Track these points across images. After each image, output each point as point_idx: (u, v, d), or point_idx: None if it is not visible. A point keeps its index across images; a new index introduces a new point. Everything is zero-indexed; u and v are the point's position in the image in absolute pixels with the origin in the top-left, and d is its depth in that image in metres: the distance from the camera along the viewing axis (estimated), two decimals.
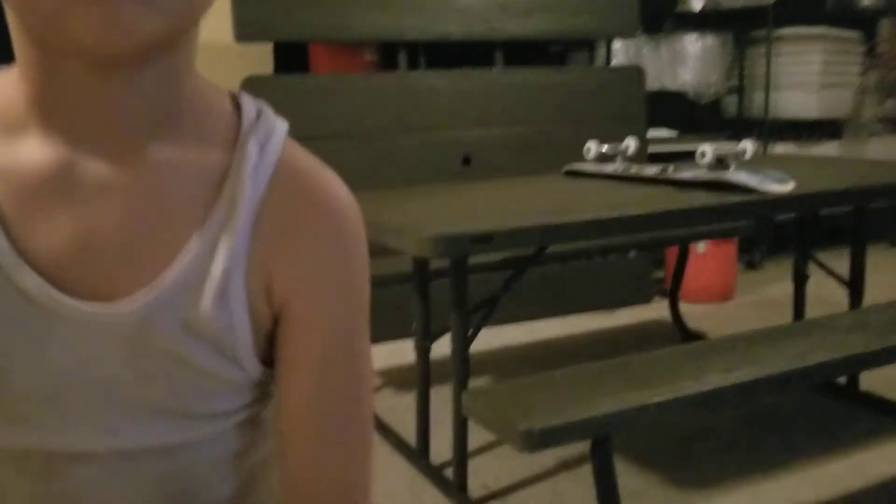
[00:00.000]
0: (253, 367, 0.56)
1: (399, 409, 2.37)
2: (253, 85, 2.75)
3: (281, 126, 0.61)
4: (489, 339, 3.03)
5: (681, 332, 3.04)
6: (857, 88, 4.25)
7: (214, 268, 0.53)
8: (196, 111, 0.55)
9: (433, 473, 1.99)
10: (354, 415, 0.60)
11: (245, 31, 2.77)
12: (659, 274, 3.63)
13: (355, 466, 0.60)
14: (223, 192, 0.54)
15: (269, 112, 0.61)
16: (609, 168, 2.25)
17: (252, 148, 0.56)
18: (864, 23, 4.52)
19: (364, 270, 0.61)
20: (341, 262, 0.58)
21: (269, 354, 0.57)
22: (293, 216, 0.56)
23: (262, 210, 0.54)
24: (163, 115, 0.53)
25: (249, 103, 0.59)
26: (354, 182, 2.59)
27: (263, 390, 0.59)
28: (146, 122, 0.52)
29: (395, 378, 2.69)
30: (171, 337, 0.53)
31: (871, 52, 4.53)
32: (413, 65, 3.15)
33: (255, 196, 0.54)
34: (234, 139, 0.56)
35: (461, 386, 1.75)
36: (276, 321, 0.57)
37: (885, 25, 4.90)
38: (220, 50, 3.06)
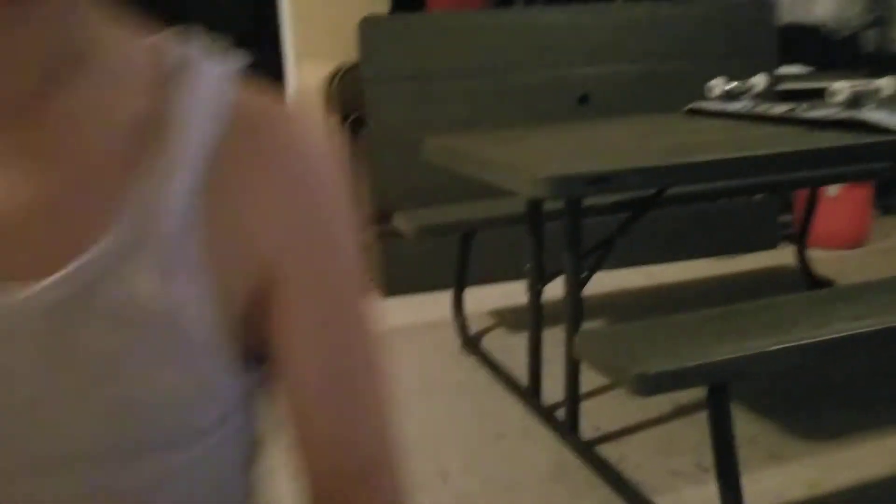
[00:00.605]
0: (220, 359, 0.44)
1: (512, 350, 2.39)
2: (370, 24, 2.77)
3: (223, 65, 0.48)
4: (604, 282, 3.00)
5: (807, 280, 2.92)
6: None
7: (151, 232, 0.42)
8: (109, 57, 0.45)
9: (545, 414, 2.01)
10: (372, 387, 0.51)
11: None
12: (786, 218, 3.47)
13: (381, 443, 0.51)
14: (152, 143, 0.43)
15: (207, 50, 0.48)
16: (735, 107, 2.15)
17: (189, 89, 0.45)
18: None
19: (347, 221, 0.50)
20: (325, 211, 0.49)
21: (248, 341, 0.47)
22: (259, 164, 0.46)
23: (215, 160, 0.44)
24: (60, 64, 0.43)
25: (179, 44, 0.48)
26: (469, 120, 2.61)
27: (247, 389, 0.48)
28: (38, 73, 0.42)
29: (507, 319, 2.72)
30: (101, 330, 0.41)
31: None
32: (530, 1, 3.09)
33: (199, 144, 0.44)
34: (164, 84, 0.46)
35: (574, 328, 1.75)
36: (256, 296, 0.46)
37: None
38: None
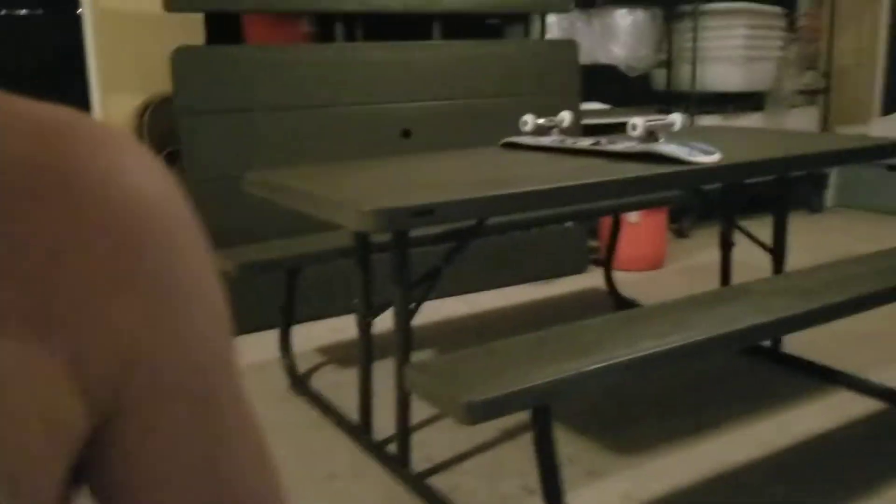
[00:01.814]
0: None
1: (342, 386, 2.38)
2: (184, 56, 2.69)
3: None
4: (430, 312, 3.06)
5: (615, 300, 3.12)
6: (779, 62, 4.39)
7: None
8: None
9: (376, 449, 2.01)
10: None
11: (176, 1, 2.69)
12: (594, 243, 3.71)
13: None
14: None
15: None
16: (546, 141, 2.28)
17: None
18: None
19: (205, 293, 0.36)
20: (177, 286, 0.34)
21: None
22: (56, 232, 0.31)
23: None
24: None
25: None
26: (291, 154, 2.58)
27: None
28: None
29: (337, 354, 2.69)
30: None
31: (791, 27, 4.67)
32: (350, 37, 3.12)
33: None
34: None
35: (403, 361, 1.77)
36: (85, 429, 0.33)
37: (804, 0, 5.06)
38: (151, 20, 2.98)
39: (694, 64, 4.13)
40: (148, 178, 0.34)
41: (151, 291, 0.33)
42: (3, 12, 2.96)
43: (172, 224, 0.35)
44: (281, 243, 2.44)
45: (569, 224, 3.51)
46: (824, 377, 2.40)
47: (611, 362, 1.54)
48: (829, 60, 4.88)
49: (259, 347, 2.65)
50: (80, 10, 3.03)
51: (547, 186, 1.74)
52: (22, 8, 3.00)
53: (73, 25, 3.03)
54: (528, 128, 2.35)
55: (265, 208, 2.76)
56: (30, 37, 3.06)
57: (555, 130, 2.32)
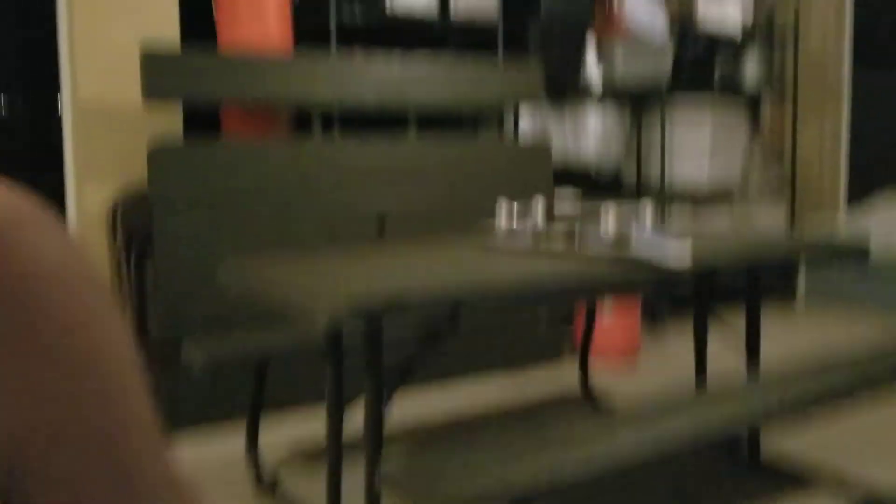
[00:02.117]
0: None
1: (311, 484, 2.30)
2: (161, 147, 2.70)
3: None
4: (402, 403, 3.01)
5: (589, 394, 3.09)
6: (745, 156, 4.52)
7: None
8: None
9: None
10: None
11: (154, 88, 2.73)
12: (569, 330, 3.71)
13: None
14: None
15: None
16: (520, 232, 2.29)
17: None
18: (749, 98, 4.84)
19: (107, 360, 0.35)
20: (78, 372, 0.34)
21: None
22: None
23: None
24: None
25: None
26: (265, 245, 2.56)
27: None
28: None
29: (307, 449, 2.62)
30: None
31: (755, 125, 4.84)
32: (327, 130, 3.17)
33: None
34: None
35: (374, 458, 1.72)
36: None
37: (767, 100, 5.26)
38: (129, 112, 3.01)
39: (662, 160, 4.24)
40: (48, 250, 0.34)
41: (46, 364, 0.32)
42: None
43: (71, 296, 0.34)
44: (251, 335, 2.40)
45: (543, 312, 3.51)
46: (803, 482, 2.37)
47: (588, 466, 1.51)
48: (794, 157, 5.03)
49: (226, 442, 2.57)
50: (59, 99, 3.06)
51: (522, 283, 1.75)
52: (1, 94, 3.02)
53: (52, 115, 3.06)
54: (503, 218, 2.37)
55: (237, 299, 2.74)
56: (8, 125, 3.07)
57: (529, 221, 2.34)
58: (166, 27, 3.07)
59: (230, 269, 2.01)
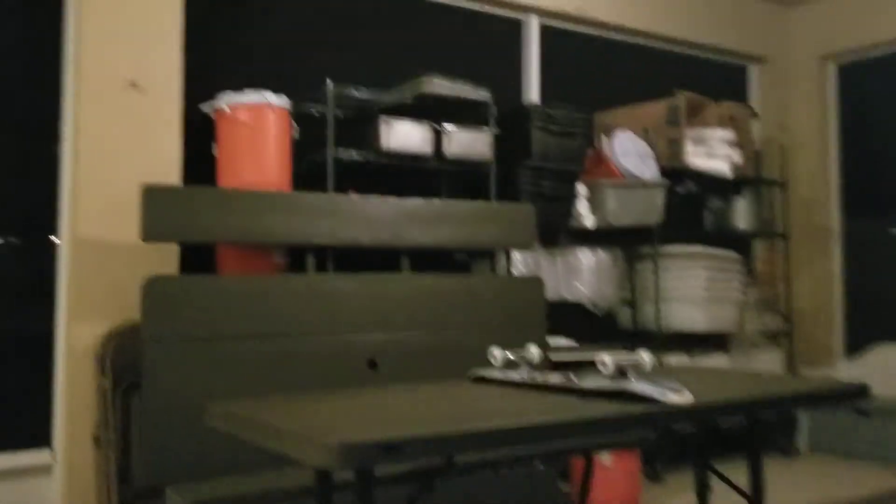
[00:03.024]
0: None
1: None
2: (154, 284, 2.69)
3: None
4: None
5: None
6: (739, 304, 4.53)
7: None
8: None
9: None
10: None
11: (152, 231, 2.75)
12: (566, 488, 3.56)
13: None
14: None
15: None
16: (515, 376, 2.25)
17: None
18: (740, 243, 4.92)
19: None
20: None
21: None
22: None
23: None
24: None
25: None
26: (256, 386, 2.49)
27: None
28: None
29: None
30: None
31: (748, 271, 4.89)
32: (321, 268, 3.18)
33: None
34: None
35: None
36: None
37: (758, 247, 5.34)
38: (126, 250, 3.02)
39: (657, 304, 4.24)
40: None
41: None
42: None
43: None
44: (239, 480, 2.30)
45: (540, 466, 3.39)
46: None
47: None
48: (788, 303, 5.06)
49: None
50: (55, 239, 3.08)
51: (520, 423, 1.69)
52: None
53: (48, 253, 3.07)
54: (497, 362, 2.33)
55: (228, 441, 2.64)
56: (4, 264, 3.08)
57: (523, 365, 2.30)
58: (168, 171, 3.15)
59: (218, 412, 1.95)
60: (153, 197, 2.77)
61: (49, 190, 3.07)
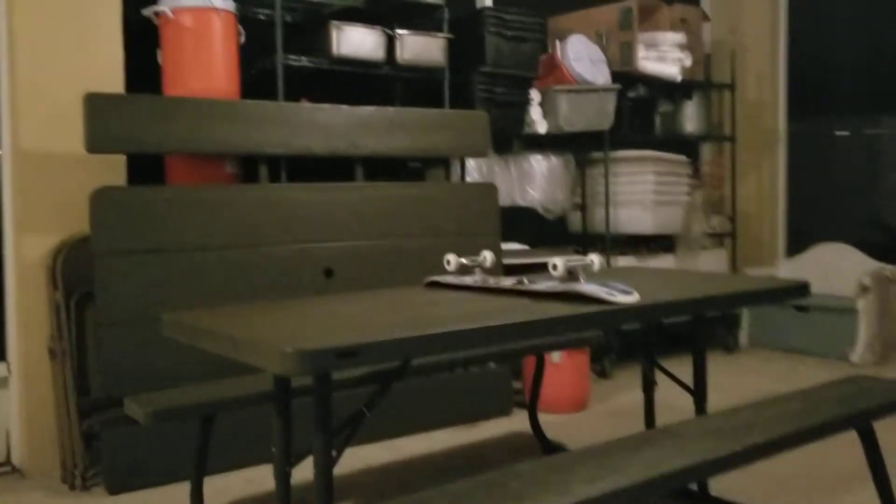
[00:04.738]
0: None
1: None
2: (103, 196, 2.65)
3: None
4: (352, 459, 2.95)
5: (541, 444, 3.08)
6: (686, 206, 4.63)
7: None
8: None
9: None
10: None
11: (97, 142, 2.68)
12: (518, 385, 3.69)
13: None
14: None
15: None
16: (469, 280, 2.30)
17: None
18: (689, 146, 4.98)
19: None
20: None
21: None
22: None
23: None
24: None
25: None
26: (212, 295, 2.52)
27: None
28: None
29: None
30: None
31: (696, 174, 4.97)
32: (275, 178, 3.15)
33: None
34: None
35: None
36: None
37: (706, 150, 5.42)
38: (72, 161, 2.95)
39: (607, 208, 4.32)
40: None
41: None
42: None
43: None
44: (196, 389, 2.34)
45: (492, 365, 3.50)
46: None
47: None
48: (734, 205, 5.18)
49: (171, 500, 2.48)
50: None
51: (474, 325, 1.74)
52: None
53: None
54: (451, 267, 2.37)
55: (183, 351, 2.67)
56: None
57: (477, 270, 2.35)
58: (111, 78, 3.04)
59: (173, 322, 1.96)
60: (96, 106, 2.69)
61: None
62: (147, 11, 3.09)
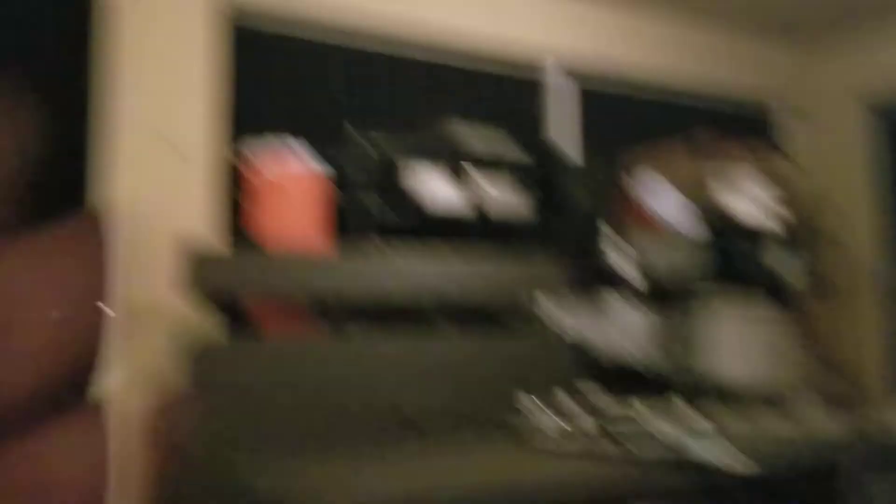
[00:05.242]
0: None
1: None
2: (197, 349, 2.69)
3: None
4: None
5: None
6: (790, 360, 4.42)
7: None
8: None
9: None
10: None
11: (197, 295, 2.76)
12: None
13: None
14: None
15: None
16: (567, 443, 2.19)
17: None
18: (785, 297, 4.81)
19: None
20: None
21: None
22: None
23: None
24: None
25: None
26: (300, 447, 2.43)
27: None
28: None
29: None
30: None
31: (795, 326, 4.78)
32: (357, 326, 3.16)
33: None
34: None
35: None
36: None
37: (804, 300, 5.23)
38: (167, 312, 3.02)
39: (702, 359, 4.15)
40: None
41: None
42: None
43: None
44: None
45: None
46: None
47: None
48: (838, 359, 4.92)
49: None
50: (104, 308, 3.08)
51: (573, 490, 1.63)
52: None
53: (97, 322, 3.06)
54: (540, 419, 2.28)
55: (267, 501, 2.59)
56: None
57: (569, 424, 2.24)
58: (211, 235, 3.16)
59: (256, 470, 1.91)
60: (197, 260, 2.78)
61: None
62: (238, 161, 3.25)
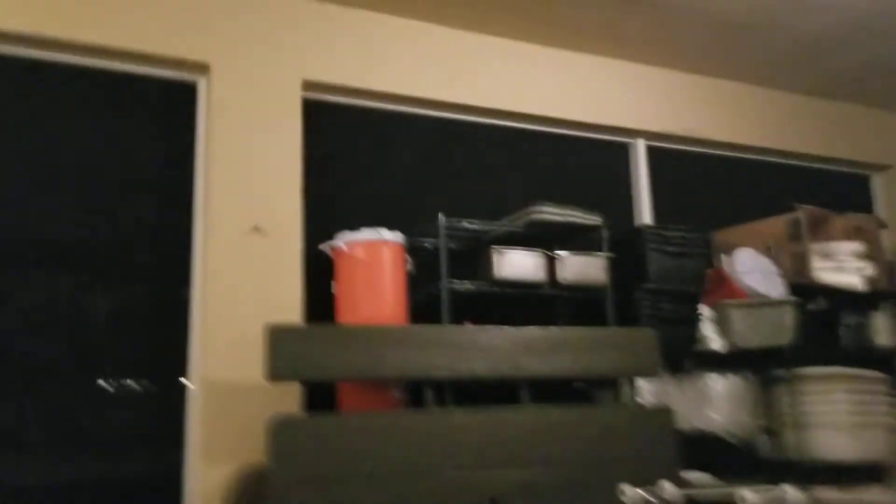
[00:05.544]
0: None
1: None
2: (281, 425, 2.71)
3: None
4: None
5: None
6: (891, 428, 4.15)
7: None
8: None
9: None
10: None
11: (277, 371, 2.79)
12: None
13: None
14: None
15: None
16: None
17: None
18: (882, 361, 4.56)
19: None
20: None
21: None
22: None
23: None
24: None
25: None
26: None
27: None
28: None
29: None
30: None
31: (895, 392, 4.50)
32: (440, 401, 3.13)
33: None
34: None
35: None
36: None
37: None
38: (251, 389, 3.07)
39: (798, 431, 3.94)
40: None
41: None
42: (112, 381, 3.11)
43: None
44: None
45: None
46: None
47: None
48: None
49: None
50: (185, 381, 3.17)
51: None
52: (129, 378, 3.15)
53: (178, 396, 3.15)
54: (628, 499, 2.18)
55: None
56: (134, 407, 3.17)
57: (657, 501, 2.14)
58: (290, 310, 3.23)
59: None
60: (276, 336, 2.83)
61: (179, 333, 3.19)
62: (324, 246, 3.32)
